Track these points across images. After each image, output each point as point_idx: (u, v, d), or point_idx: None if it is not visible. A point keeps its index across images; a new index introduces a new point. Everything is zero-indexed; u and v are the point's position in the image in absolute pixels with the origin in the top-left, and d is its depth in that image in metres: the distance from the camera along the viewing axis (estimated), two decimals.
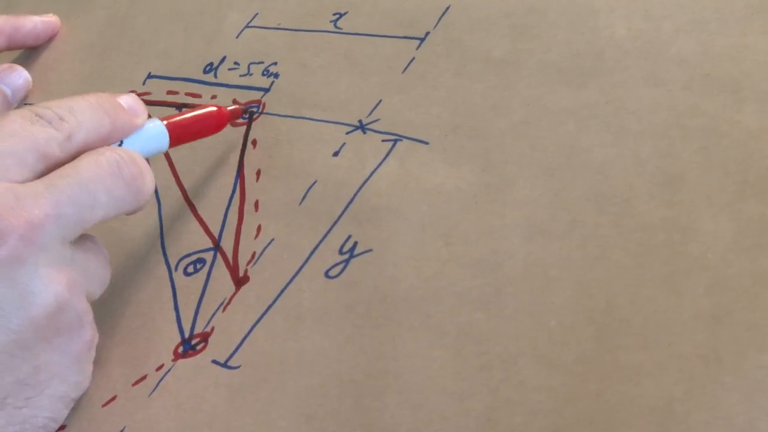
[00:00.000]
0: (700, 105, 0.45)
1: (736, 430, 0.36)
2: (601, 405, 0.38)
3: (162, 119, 0.46)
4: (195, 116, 0.48)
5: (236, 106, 0.51)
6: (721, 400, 0.37)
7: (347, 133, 0.49)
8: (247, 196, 0.49)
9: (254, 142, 0.51)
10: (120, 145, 0.44)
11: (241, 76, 0.54)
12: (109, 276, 0.45)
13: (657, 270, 0.40)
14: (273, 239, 0.47)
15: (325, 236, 0.46)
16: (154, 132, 0.46)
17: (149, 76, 0.56)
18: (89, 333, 0.43)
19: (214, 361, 0.44)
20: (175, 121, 0.47)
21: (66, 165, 0.42)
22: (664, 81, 0.46)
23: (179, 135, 0.47)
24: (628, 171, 0.44)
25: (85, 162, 0.42)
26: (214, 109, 0.49)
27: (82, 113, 0.44)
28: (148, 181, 0.45)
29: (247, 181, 0.50)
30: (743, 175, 0.42)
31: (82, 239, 0.44)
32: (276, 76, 0.53)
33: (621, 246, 0.42)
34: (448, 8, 0.52)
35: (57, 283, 0.41)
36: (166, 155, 0.52)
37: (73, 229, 0.42)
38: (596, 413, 0.38)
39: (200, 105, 0.49)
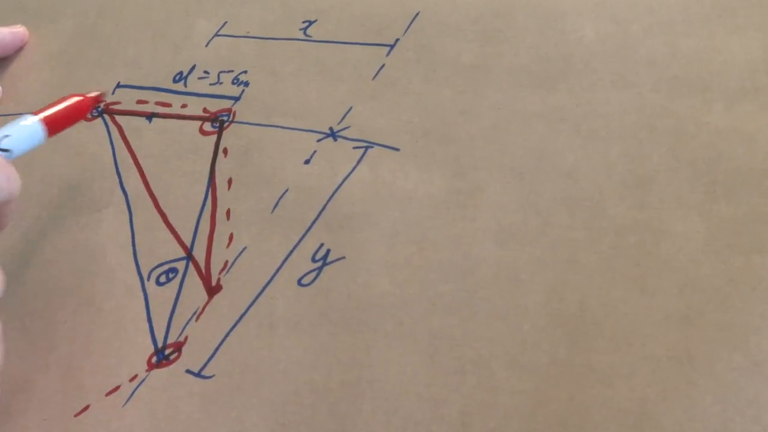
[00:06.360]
0: (669, 106, 0.45)
1: (710, 431, 0.36)
2: (574, 408, 0.38)
3: (35, 113, 0.48)
4: (65, 107, 0.50)
5: (98, 93, 0.51)
6: (694, 401, 0.37)
7: (318, 140, 0.49)
8: (218, 205, 0.49)
9: (225, 151, 0.51)
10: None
11: (211, 84, 0.54)
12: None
13: (628, 272, 0.41)
14: (245, 247, 0.47)
15: (297, 244, 0.46)
16: (31, 129, 0.47)
17: (118, 86, 0.56)
18: None
19: (188, 371, 0.44)
20: (47, 115, 0.48)
21: None
22: (633, 83, 0.46)
23: (54, 126, 0.49)
24: (598, 174, 0.44)
25: None
26: (81, 98, 0.50)
27: None
28: (12, 174, 0.44)
29: (218, 190, 0.49)
30: (713, 175, 0.42)
31: None
32: (246, 84, 0.53)
33: (592, 249, 0.42)
34: (417, 14, 0.53)
35: None
36: (137, 165, 0.52)
37: None
38: (569, 416, 0.38)
39: (65, 97, 0.50)
